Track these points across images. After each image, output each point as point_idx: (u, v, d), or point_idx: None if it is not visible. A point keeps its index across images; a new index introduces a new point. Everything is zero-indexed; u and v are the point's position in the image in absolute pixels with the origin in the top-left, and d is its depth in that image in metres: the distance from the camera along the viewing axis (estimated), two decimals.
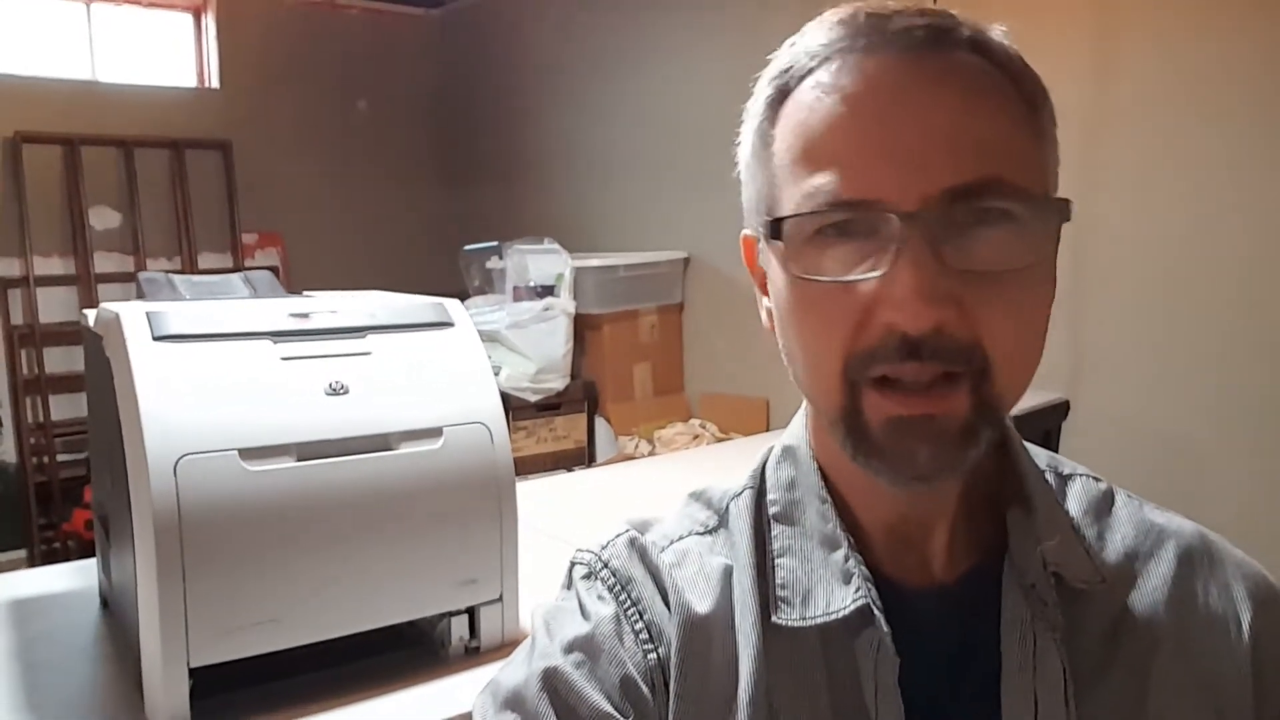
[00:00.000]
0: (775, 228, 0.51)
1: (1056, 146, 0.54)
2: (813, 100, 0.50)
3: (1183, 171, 2.19)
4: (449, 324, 1.17)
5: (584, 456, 3.30)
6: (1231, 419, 2.14)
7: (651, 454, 3.16)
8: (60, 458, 3.90)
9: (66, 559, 3.74)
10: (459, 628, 1.12)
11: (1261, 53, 2.04)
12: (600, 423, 3.38)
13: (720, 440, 3.20)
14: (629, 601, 0.58)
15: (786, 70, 0.53)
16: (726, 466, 2.08)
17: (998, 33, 0.53)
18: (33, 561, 3.80)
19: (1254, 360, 2.10)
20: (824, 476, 0.59)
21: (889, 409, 0.49)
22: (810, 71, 0.51)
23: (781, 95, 0.53)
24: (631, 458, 3.13)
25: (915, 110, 0.48)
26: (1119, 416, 2.30)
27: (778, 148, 0.53)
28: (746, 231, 0.58)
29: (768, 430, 3.21)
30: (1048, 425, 2.09)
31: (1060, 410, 2.15)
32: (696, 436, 3.22)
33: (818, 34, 0.52)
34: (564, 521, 1.66)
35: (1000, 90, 0.50)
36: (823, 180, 0.49)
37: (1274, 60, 2.02)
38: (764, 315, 0.59)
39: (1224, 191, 2.13)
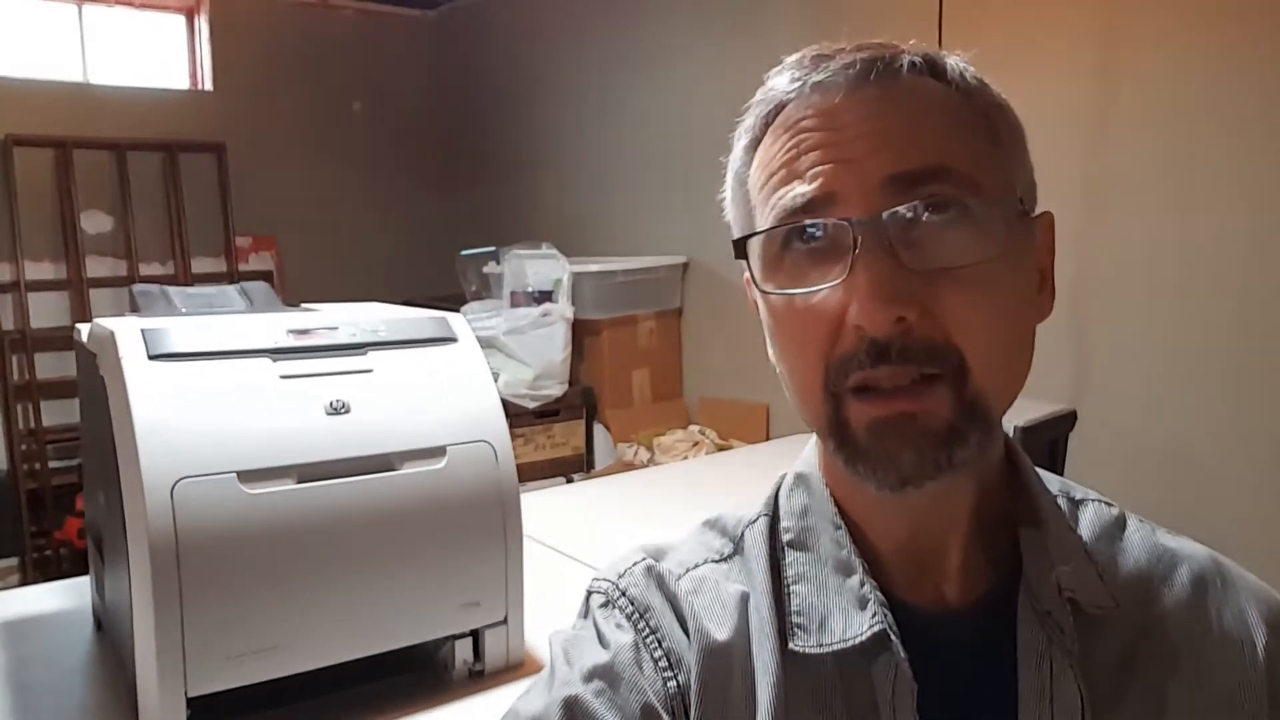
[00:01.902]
0: (740, 247, 0.55)
1: (1023, 153, 0.56)
2: (772, 139, 0.54)
3: (1187, 182, 2.17)
4: (452, 339, 1.15)
5: (582, 464, 3.28)
6: (1237, 429, 2.12)
7: (651, 461, 3.13)
8: (52, 464, 3.86)
9: (59, 566, 3.72)
10: (463, 651, 1.10)
11: (1267, 64, 2.03)
12: (599, 429, 3.36)
13: (721, 447, 3.18)
14: (648, 629, 0.58)
15: (755, 119, 0.57)
16: (729, 477, 2.07)
17: (951, 57, 0.55)
18: (25, 570, 3.76)
19: (1259, 371, 2.09)
20: (837, 503, 0.59)
21: (870, 412, 0.50)
22: (772, 117, 0.55)
23: (754, 143, 0.56)
24: (631, 465, 3.11)
25: (859, 120, 0.51)
26: (1125, 427, 2.29)
27: (750, 185, 0.56)
28: (746, 274, 0.59)
29: (767, 437, 3.19)
30: (1054, 435, 2.07)
31: (1067, 421, 2.14)
32: (696, 443, 3.19)
33: (775, 81, 0.56)
34: (566, 534, 1.64)
35: (948, 101, 0.53)
36: (780, 195, 0.52)
37: (1276, 75, 2.01)
38: (768, 350, 0.60)
39: (1229, 202, 2.11)
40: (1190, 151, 2.16)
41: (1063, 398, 2.27)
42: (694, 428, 3.36)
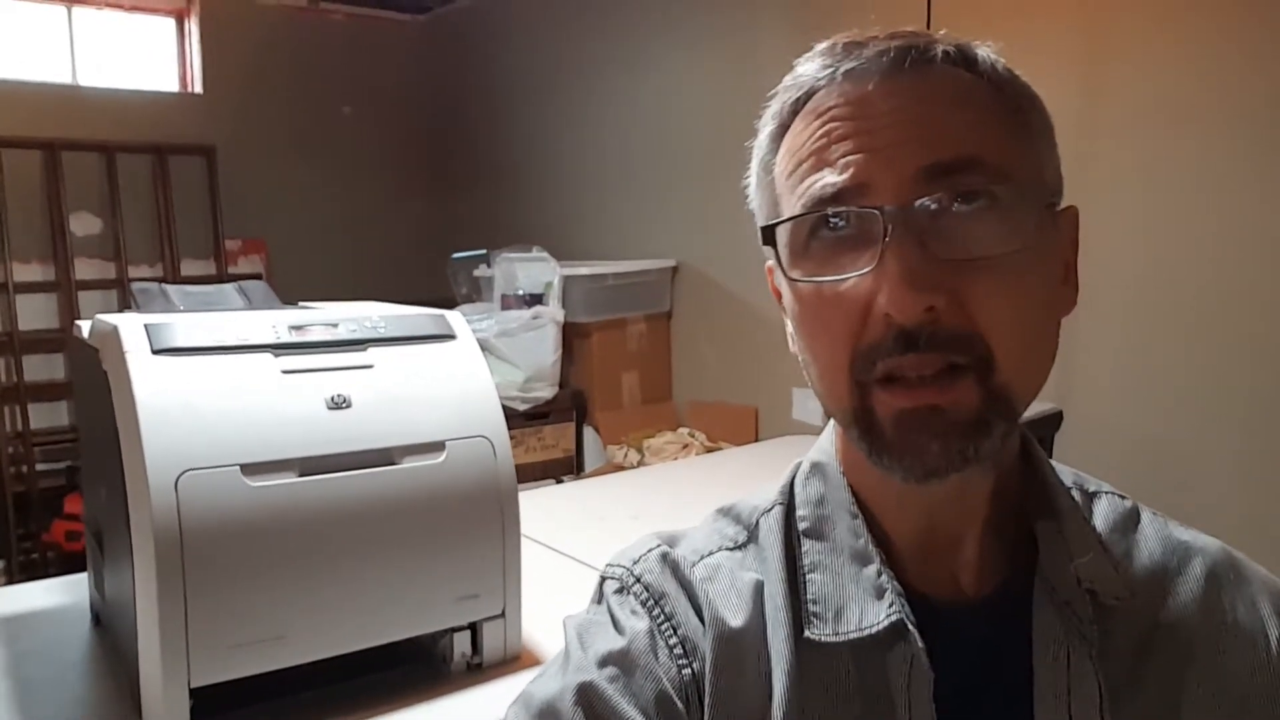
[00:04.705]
0: (769, 234, 0.55)
1: (1051, 146, 0.55)
2: (803, 127, 0.54)
3: (1168, 186, 2.21)
4: (450, 336, 1.16)
5: (572, 466, 3.29)
6: (1219, 427, 2.16)
7: (641, 463, 3.15)
8: (40, 467, 3.84)
9: (46, 570, 3.70)
10: (461, 643, 1.11)
11: (1242, 72, 2.07)
12: (589, 431, 3.37)
13: (709, 449, 3.19)
14: (663, 616, 0.58)
15: (782, 105, 0.56)
16: (719, 478, 2.09)
17: (982, 48, 0.54)
18: (11, 573, 3.74)
19: (1240, 368, 2.12)
20: (853, 492, 0.59)
21: (896, 403, 0.50)
22: (802, 103, 0.54)
23: (781, 129, 0.56)
24: (621, 467, 3.12)
25: (892, 109, 0.51)
26: (1110, 426, 2.32)
27: (777, 173, 0.56)
28: (770, 262, 0.59)
29: (756, 439, 3.21)
30: (1041, 434, 2.10)
31: (1054, 420, 2.17)
32: (686, 445, 3.21)
33: (806, 68, 0.55)
34: (559, 531, 1.66)
35: (980, 93, 0.52)
36: (810, 183, 0.52)
37: (1251, 80, 2.06)
38: (789, 339, 0.60)
39: (1205, 205, 2.15)
40: (1170, 158, 2.20)
41: (1048, 397, 2.30)
42: (683, 430, 3.37)
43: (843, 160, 0.51)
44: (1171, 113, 2.19)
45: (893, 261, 0.49)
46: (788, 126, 0.55)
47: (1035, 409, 2.16)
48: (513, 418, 3.09)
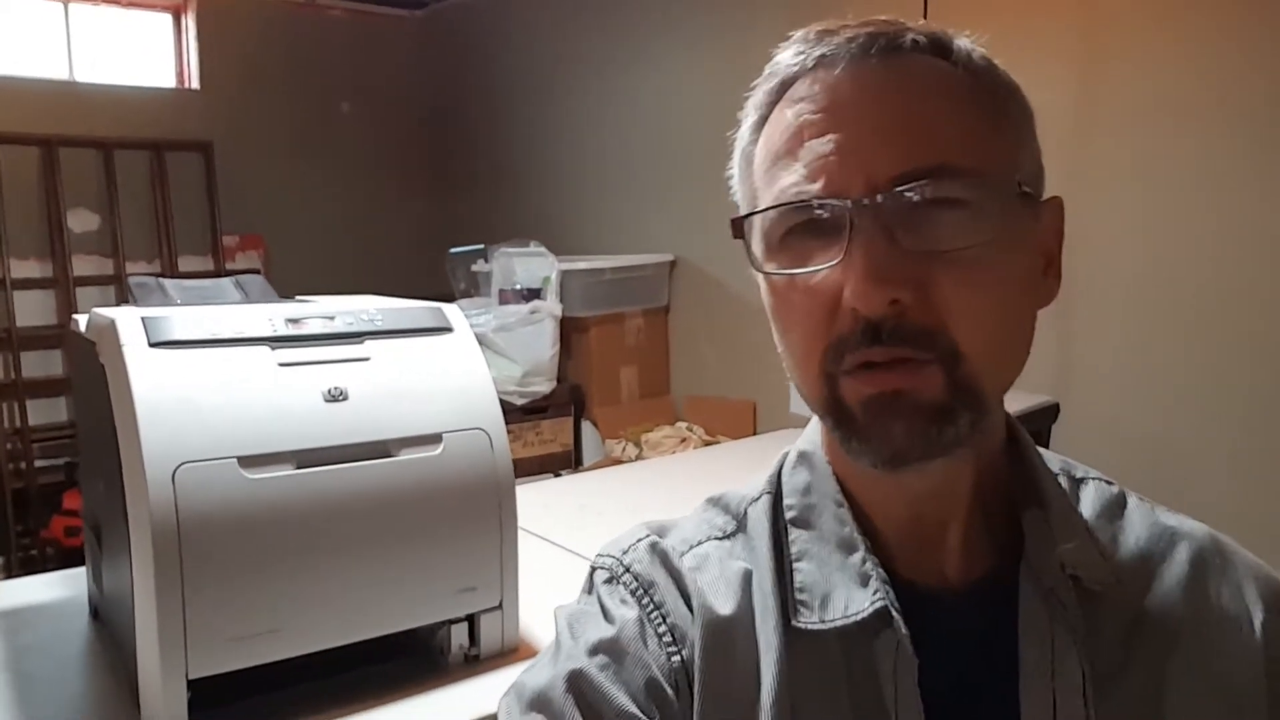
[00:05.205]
0: (738, 226, 0.56)
1: (1030, 136, 0.55)
2: (779, 117, 0.54)
3: (1167, 183, 2.22)
4: (447, 329, 1.16)
5: (570, 460, 3.30)
6: (1214, 421, 2.16)
7: (639, 457, 3.15)
8: (38, 463, 3.84)
9: (45, 566, 3.70)
10: (459, 635, 1.11)
11: (1241, 71, 2.08)
12: (587, 426, 3.38)
13: (707, 443, 3.20)
14: (652, 605, 0.59)
15: (762, 95, 0.57)
16: (717, 471, 2.09)
17: (960, 37, 0.54)
18: (10, 569, 3.74)
19: (1238, 366, 2.13)
20: (839, 481, 0.60)
21: (863, 389, 0.51)
22: (778, 93, 0.55)
23: (761, 121, 0.56)
24: (619, 461, 3.12)
25: (864, 106, 0.51)
26: (1106, 419, 2.32)
27: (756, 165, 0.57)
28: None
29: (754, 433, 3.21)
30: (1038, 428, 2.11)
31: (1050, 413, 2.18)
32: (684, 440, 3.21)
33: (781, 56, 0.56)
34: (556, 524, 1.66)
35: (952, 83, 0.52)
36: (784, 181, 0.52)
37: (1250, 78, 2.06)
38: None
39: (1204, 202, 2.16)
40: (1167, 155, 2.20)
41: (1045, 390, 2.31)
42: (681, 424, 3.38)
43: (815, 162, 0.51)
44: (1170, 110, 2.19)
45: (858, 254, 0.49)
46: (767, 118, 0.56)
47: (1031, 401, 2.17)
48: (510, 412, 3.09)
